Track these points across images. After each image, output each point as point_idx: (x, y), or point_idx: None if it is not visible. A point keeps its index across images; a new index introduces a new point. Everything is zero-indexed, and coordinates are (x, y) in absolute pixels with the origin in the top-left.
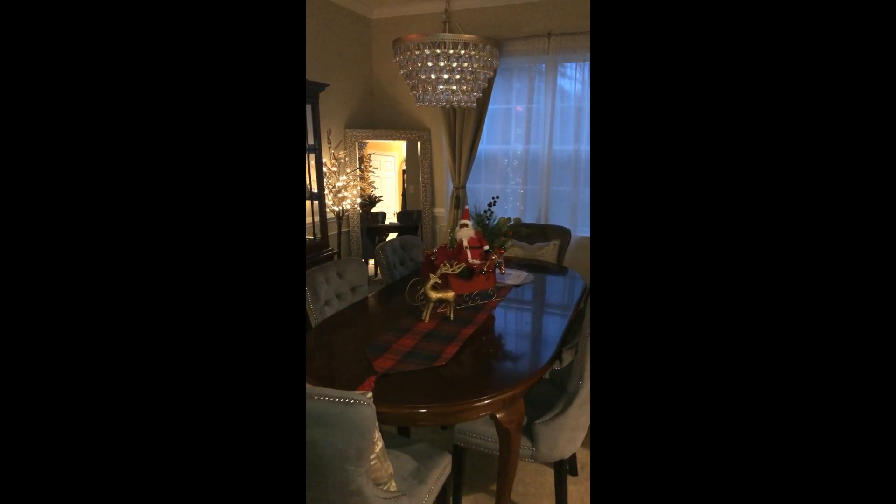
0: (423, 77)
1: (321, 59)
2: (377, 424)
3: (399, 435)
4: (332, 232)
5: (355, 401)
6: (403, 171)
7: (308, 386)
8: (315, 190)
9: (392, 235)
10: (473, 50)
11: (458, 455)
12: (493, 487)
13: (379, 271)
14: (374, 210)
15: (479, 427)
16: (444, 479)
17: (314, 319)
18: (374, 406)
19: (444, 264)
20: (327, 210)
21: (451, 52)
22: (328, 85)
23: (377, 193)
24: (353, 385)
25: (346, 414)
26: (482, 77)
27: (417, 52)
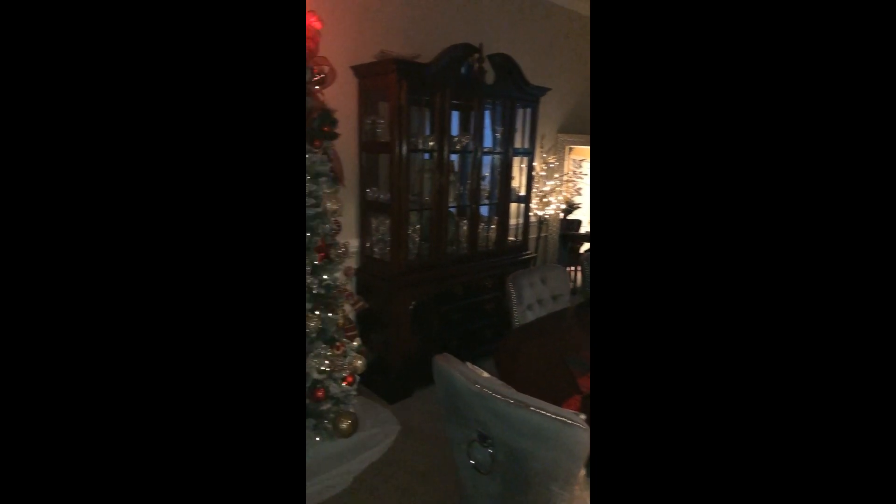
0: None
1: (542, 63)
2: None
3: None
4: (532, 235)
5: (572, 422)
6: None
7: (522, 394)
8: (522, 193)
9: (586, 245)
10: None
11: None
12: None
13: (579, 280)
14: (570, 217)
15: None
16: None
17: (516, 321)
18: (589, 430)
19: None
20: (530, 214)
21: None
22: (550, 89)
23: (576, 200)
24: (555, 399)
25: (561, 432)
26: None
27: None
